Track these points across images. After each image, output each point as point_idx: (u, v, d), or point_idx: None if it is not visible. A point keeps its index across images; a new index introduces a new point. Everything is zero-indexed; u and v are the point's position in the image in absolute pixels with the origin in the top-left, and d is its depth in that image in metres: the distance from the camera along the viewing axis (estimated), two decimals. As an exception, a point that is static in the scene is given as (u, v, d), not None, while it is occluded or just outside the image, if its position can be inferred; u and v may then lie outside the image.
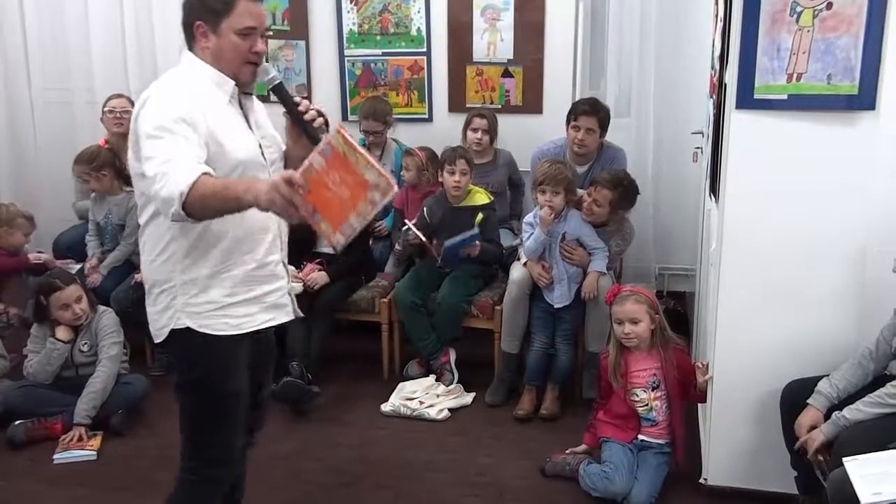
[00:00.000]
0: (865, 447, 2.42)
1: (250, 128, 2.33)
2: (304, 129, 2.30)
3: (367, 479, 3.41)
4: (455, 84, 4.93)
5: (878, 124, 2.69)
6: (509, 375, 4.09)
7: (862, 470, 2.34)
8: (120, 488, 3.37)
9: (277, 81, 2.30)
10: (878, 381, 2.71)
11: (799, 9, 2.67)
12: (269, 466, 3.39)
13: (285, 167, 2.38)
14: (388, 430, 3.82)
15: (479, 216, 4.23)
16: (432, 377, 4.18)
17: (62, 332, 3.78)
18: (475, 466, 3.52)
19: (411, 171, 4.54)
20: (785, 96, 2.75)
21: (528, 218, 4.05)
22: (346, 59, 5.00)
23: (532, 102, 4.86)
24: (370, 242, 4.59)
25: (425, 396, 4.01)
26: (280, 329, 2.52)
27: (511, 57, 4.83)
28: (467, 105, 4.89)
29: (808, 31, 2.68)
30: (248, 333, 2.33)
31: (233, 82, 2.26)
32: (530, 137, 4.63)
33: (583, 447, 3.40)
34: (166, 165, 2.05)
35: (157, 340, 2.35)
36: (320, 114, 2.31)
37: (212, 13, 2.21)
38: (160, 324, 2.32)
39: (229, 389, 2.34)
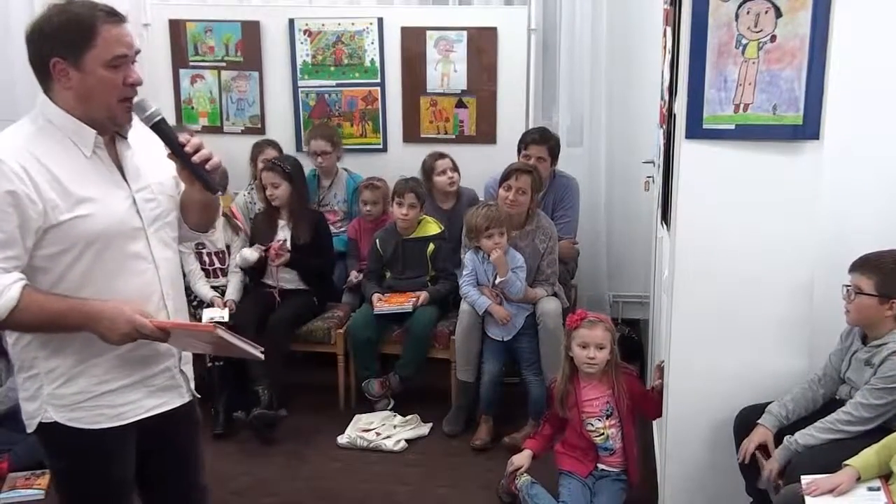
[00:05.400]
0: (817, 471, 2.47)
1: (125, 180, 1.98)
2: (194, 173, 1.98)
3: (324, 513, 3.37)
4: (409, 115, 4.94)
5: (822, 154, 2.76)
6: (466, 405, 4.08)
7: None
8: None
9: (158, 118, 1.95)
10: (828, 405, 2.77)
11: (744, 41, 2.73)
12: (224, 503, 3.32)
13: (183, 216, 2.14)
14: (344, 463, 3.78)
15: (431, 247, 4.26)
16: (389, 412, 4.16)
17: None
18: (433, 497, 3.50)
19: (378, 205, 4.54)
20: (732, 126, 2.79)
21: (468, 262, 4.03)
22: (300, 89, 4.98)
23: (486, 132, 4.89)
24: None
25: (382, 427, 3.99)
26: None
27: (465, 87, 4.86)
28: (421, 135, 4.91)
29: (754, 62, 2.74)
30: (135, 422, 2.04)
31: (93, 132, 1.91)
32: (485, 167, 4.65)
33: (522, 457, 3.34)
34: None
35: (28, 430, 2.04)
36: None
37: (70, 46, 1.83)
38: (28, 413, 2.00)
39: (110, 480, 2.06)
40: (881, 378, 2.60)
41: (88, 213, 1.87)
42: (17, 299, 1.78)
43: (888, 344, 2.63)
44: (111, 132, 1.99)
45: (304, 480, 3.61)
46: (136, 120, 1.98)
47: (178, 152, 1.96)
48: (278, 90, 5.00)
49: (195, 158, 1.96)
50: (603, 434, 3.23)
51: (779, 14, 2.69)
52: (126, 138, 2.02)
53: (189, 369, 2.18)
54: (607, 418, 3.23)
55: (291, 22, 4.90)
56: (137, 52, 1.95)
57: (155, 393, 2.06)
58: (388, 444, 3.88)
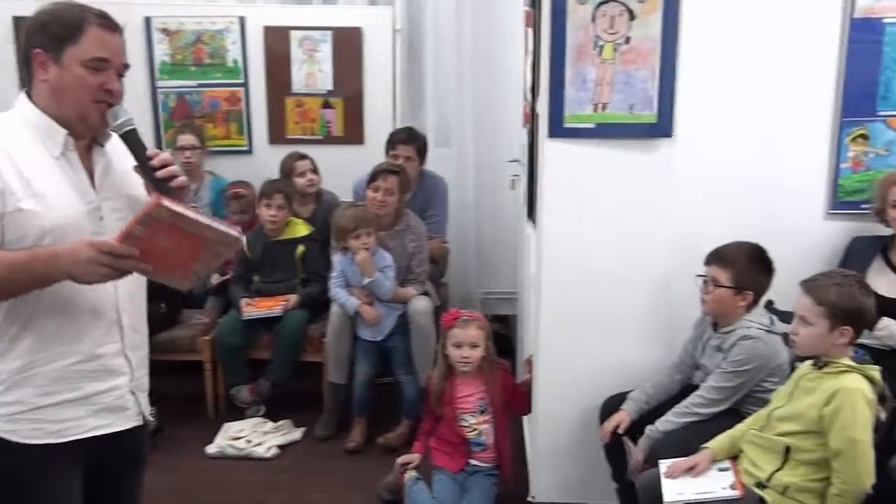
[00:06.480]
0: (676, 453, 2.59)
1: (94, 186, 1.90)
2: (157, 189, 1.85)
3: (194, 526, 3.28)
4: (274, 115, 4.87)
5: (675, 150, 2.88)
6: (338, 407, 4.05)
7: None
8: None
9: (130, 127, 1.86)
10: (685, 391, 2.90)
11: (601, 42, 2.82)
12: (86, 521, 3.17)
13: None
14: (214, 473, 3.68)
15: (300, 248, 4.21)
16: (259, 418, 4.07)
17: None
18: (307, 503, 3.44)
19: (246, 213, 4.43)
20: (592, 125, 2.89)
21: (336, 264, 4.01)
22: (159, 90, 4.83)
23: (353, 133, 4.87)
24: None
25: (253, 435, 3.89)
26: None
27: (331, 88, 4.84)
28: (287, 136, 4.85)
29: (611, 63, 2.84)
30: (78, 441, 1.89)
31: (63, 132, 1.85)
32: (353, 168, 4.62)
33: (415, 456, 3.35)
34: None
35: None
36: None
37: (53, 39, 1.81)
38: None
39: None
40: (730, 362, 2.74)
41: (37, 210, 1.79)
42: None
43: (737, 330, 2.77)
44: (86, 136, 1.91)
45: (173, 493, 3.49)
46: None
47: (143, 165, 1.86)
48: (135, 91, 4.78)
49: (160, 173, 1.85)
50: (476, 430, 3.27)
51: (632, 17, 2.80)
52: (103, 146, 1.94)
53: (144, 398, 2.07)
54: (481, 414, 3.27)
55: (147, 20, 4.74)
56: (126, 66, 1.90)
57: (100, 412, 1.93)
58: (260, 451, 3.80)
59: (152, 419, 2.15)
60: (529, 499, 3.28)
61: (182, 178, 1.90)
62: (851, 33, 2.93)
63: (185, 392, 4.28)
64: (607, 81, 2.86)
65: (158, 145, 4.82)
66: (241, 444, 3.84)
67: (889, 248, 3.02)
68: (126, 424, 1.99)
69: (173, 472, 3.67)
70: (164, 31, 4.76)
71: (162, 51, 4.78)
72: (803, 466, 2.37)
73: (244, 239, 1.84)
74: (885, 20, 2.92)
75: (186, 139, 4.57)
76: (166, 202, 1.71)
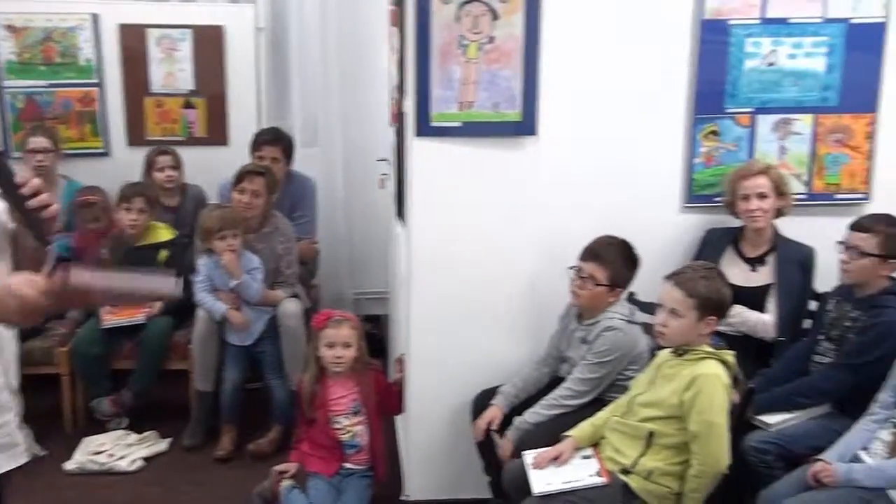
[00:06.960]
0: (546, 444, 2.64)
1: None
2: (26, 221, 1.71)
3: (53, 548, 3.11)
4: (133, 116, 4.71)
5: (539, 148, 2.94)
6: (206, 415, 3.93)
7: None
8: None
9: None
10: (553, 383, 2.96)
11: (465, 42, 2.85)
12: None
13: (15, 259, 1.83)
14: (74, 491, 3.50)
15: (163, 253, 4.06)
16: (122, 431, 3.90)
17: None
18: (175, 516, 3.34)
19: (101, 220, 4.21)
20: (459, 124, 2.92)
21: (202, 267, 3.89)
22: (6, 91, 4.58)
23: (217, 134, 4.77)
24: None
25: (115, 448, 3.73)
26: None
27: (192, 88, 4.71)
28: (147, 137, 4.69)
29: (475, 62, 2.87)
30: None
31: None
32: (217, 169, 4.51)
33: (292, 465, 3.28)
34: None
35: None
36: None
37: None
38: None
39: None
40: (595, 353, 2.82)
41: None
42: None
43: (601, 321, 2.85)
44: None
45: (29, 515, 3.31)
46: None
47: (11, 192, 1.69)
48: (-22, 91, 4.55)
49: (32, 203, 1.69)
50: (349, 432, 3.23)
51: (495, 17, 2.83)
52: None
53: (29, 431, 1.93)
54: (354, 415, 3.23)
55: (-9, 16, 4.49)
56: None
57: None
58: (123, 464, 3.64)
59: (45, 452, 2.00)
60: (403, 497, 3.28)
61: (54, 208, 1.74)
62: (702, 34, 3.08)
63: (40, 406, 4.04)
64: (472, 80, 2.89)
65: (7, 149, 4.56)
66: (102, 458, 3.66)
67: (739, 239, 3.19)
68: (16, 462, 1.86)
69: (30, 494, 3.45)
70: (10, 27, 4.53)
71: (7, 49, 4.55)
72: (665, 451, 2.46)
73: (180, 284, 1.71)
74: (731, 22, 3.09)
75: (38, 142, 4.34)
76: (75, 276, 1.57)
